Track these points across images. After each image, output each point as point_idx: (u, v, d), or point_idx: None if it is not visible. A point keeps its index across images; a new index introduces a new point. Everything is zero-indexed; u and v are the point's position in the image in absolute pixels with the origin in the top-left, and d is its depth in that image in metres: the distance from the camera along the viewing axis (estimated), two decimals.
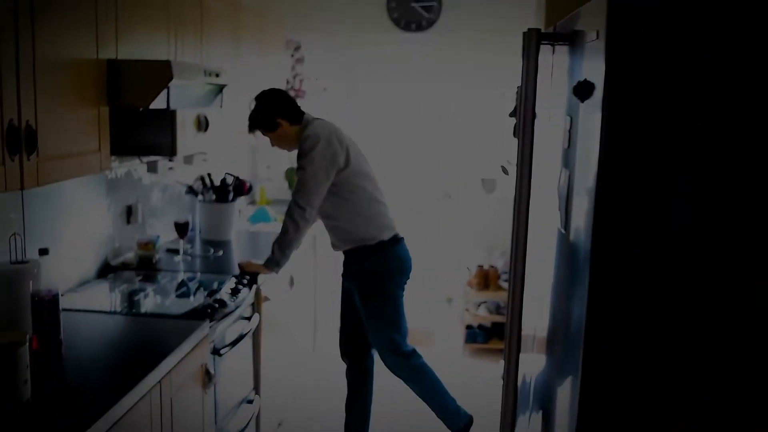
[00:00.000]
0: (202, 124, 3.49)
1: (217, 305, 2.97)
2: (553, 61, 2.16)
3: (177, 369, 2.46)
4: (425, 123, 6.30)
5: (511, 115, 2.83)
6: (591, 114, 1.50)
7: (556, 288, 1.98)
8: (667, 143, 1.40)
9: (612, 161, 1.42)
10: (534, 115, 1.87)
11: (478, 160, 6.10)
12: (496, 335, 5.71)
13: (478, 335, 5.69)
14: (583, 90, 1.52)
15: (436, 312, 6.27)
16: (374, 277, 3.69)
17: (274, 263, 3.53)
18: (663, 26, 1.38)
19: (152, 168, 3.67)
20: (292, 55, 5.89)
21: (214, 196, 4.31)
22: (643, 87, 1.39)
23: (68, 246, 3.08)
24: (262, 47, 4.71)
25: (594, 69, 1.47)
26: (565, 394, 1.69)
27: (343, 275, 3.83)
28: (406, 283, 3.78)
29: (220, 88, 3.30)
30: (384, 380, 3.94)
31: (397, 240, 3.73)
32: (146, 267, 3.52)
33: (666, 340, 1.47)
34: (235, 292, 3.21)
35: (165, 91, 2.70)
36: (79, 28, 2.40)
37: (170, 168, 3.95)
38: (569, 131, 1.75)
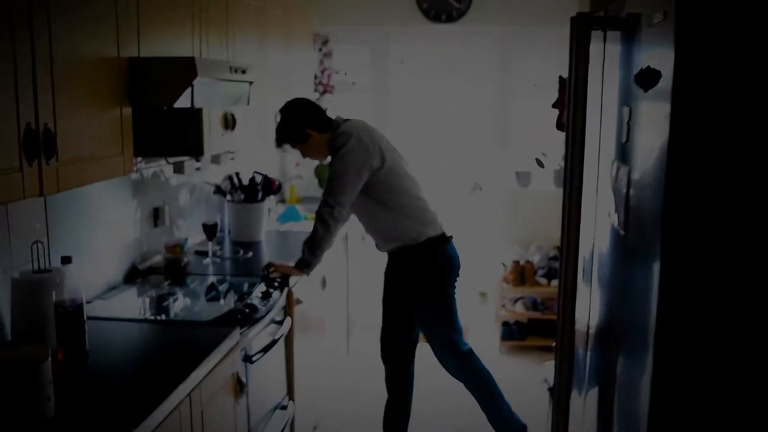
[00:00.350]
0: (230, 123, 3.38)
1: (247, 310, 2.86)
2: (604, 49, 2.00)
3: (207, 380, 2.35)
4: (456, 116, 6.15)
5: (554, 106, 2.68)
6: (656, 104, 1.35)
7: (611, 285, 1.85)
8: (742, 135, 1.25)
9: (681, 156, 1.28)
10: (585, 106, 1.73)
11: (512, 153, 5.94)
12: (534, 332, 5.56)
13: (515, 332, 5.54)
14: (646, 78, 1.38)
15: (470, 308, 6.14)
16: (427, 278, 3.56)
17: (304, 264, 3.41)
18: (739, 5, 1.22)
19: (179, 169, 3.56)
20: (320, 50, 5.77)
21: (242, 196, 4.19)
22: (716, 73, 1.24)
23: (94, 252, 2.98)
24: (289, 42, 4.59)
25: (659, 55, 1.33)
26: (630, 384, 1.58)
27: (387, 276, 3.71)
28: (456, 282, 3.64)
29: (248, 85, 3.18)
30: (426, 379, 3.83)
31: (446, 239, 3.58)
32: (175, 270, 3.41)
33: (738, 337, 1.34)
34: (266, 295, 3.10)
35: (189, 89, 2.58)
36: (98, 25, 2.29)
37: (197, 168, 3.83)
38: (628, 123, 1.60)
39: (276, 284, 3.25)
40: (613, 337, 1.83)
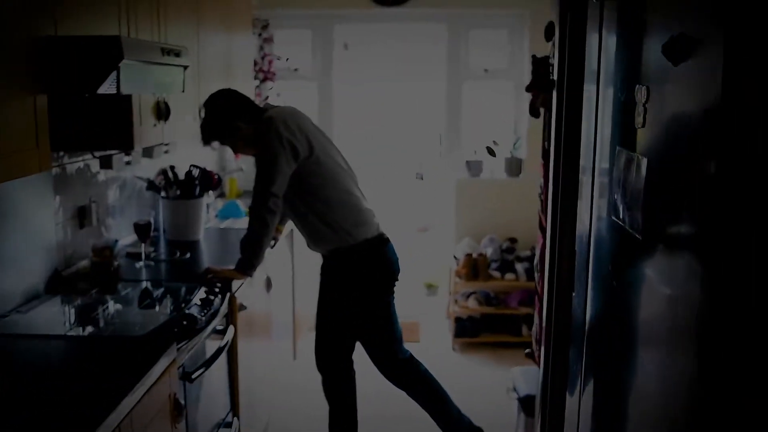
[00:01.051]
0: (163, 112, 3.05)
1: (185, 322, 2.54)
2: (601, 20, 1.75)
3: (140, 406, 2.03)
4: (404, 104, 5.91)
5: (529, 89, 2.43)
6: (690, 81, 1.10)
7: (619, 288, 1.63)
8: None
9: (738, 143, 1.02)
10: (580, 86, 1.47)
11: (462, 142, 5.71)
12: (487, 328, 5.35)
13: (467, 328, 5.32)
14: (677, 49, 1.12)
15: (419, 302, 5.92)
16: (363, 285, 3.28)
17: (245, 266, 3.09)
18: None
19: (106, 163, 3.16)
20: (260, 34, 5.44)
21: (178, 192, 3.84)
22: None
23: (10, 258, 2.63)
24: (228, 25, 4.26)
25: (695, 18, 1.07)
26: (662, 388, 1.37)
27: (321, 280, 3.40)
28: (395, 287, 3.37)
29: (182, 70, 2.85)
30: (371, 382, 3.58)
31: (384, 240, 3.30)
32: (104, 276, 3.04)
33: None
34: (206, 303, 2.78)
35: (115, 74, 2.25)
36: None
37: (127, 162, 3.46)
38: (644, 105, 1.34)
39: (217, 290, 2.94)
40: (623, 341, 1.58)
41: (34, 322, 2.57)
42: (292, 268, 4.55)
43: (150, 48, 2.54)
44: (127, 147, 2.72)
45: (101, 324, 2.68)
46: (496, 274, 5.25)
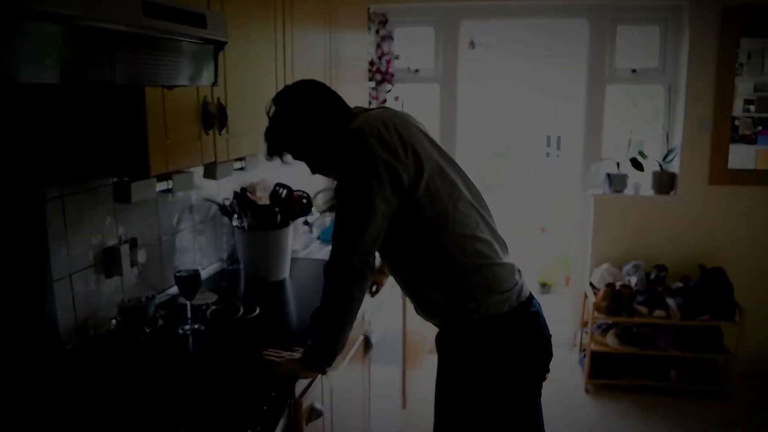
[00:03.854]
0: (215, 116, 1.93)
1: None
2: None
3: None
4: (536, 110, 4.58)
5: None
6: None
7: None
8: None
9: None
10: None
11: (603, 153, 4.33)
12: (627, 369, 3.98)
13: (604, 367, 3.98)
14: None
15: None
16: (497, 376, 1.84)
17: (319, 360, 1.82)
18: None
19: (122, 195, 1.94)
20: (377, 31, 4.26)
21: (253, 221, 2.68)
22: None
23: None
24: (331, 19, 3.10)
25: None
26: None
27: (439, 358, 1.96)
28: (545, 379, 1.96)
29: (211, 50, 1.61)
30: None
31: (531, 313, 1.88)
32: (127, 347, 1.96)
33: None
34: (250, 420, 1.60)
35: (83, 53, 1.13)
36: None
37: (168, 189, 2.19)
38: None
39: (273, 394, 1.72)
40: None
41: None
42: (404, 325, 3.33)
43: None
44: (138, 173, 1.59)
45: None
46: (643, 309, 3.87)
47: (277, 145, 1.93)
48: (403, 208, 1.79)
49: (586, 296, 4.20)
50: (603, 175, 4.24)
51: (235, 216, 2.70)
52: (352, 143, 1.77)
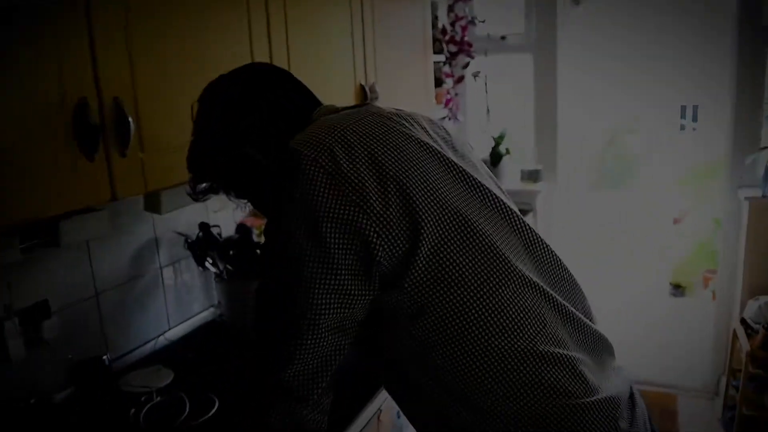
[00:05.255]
0: (98, 128, 1.07)
1: None
2: None
3: None
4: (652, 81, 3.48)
5: None
6: None
7: None
8: None
9: None
10: None
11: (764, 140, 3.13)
12: None
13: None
14: None
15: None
16: None
17: None
18: None
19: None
20: None
21: (228, 267, 1.82)
22: None
23: None
24: None
25: None
26: None
27: None
28: None
29: None
30: None
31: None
32: None
33: None
34: None
35: None
36: None
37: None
38: None
39: None
40: None
41: None
42: None
43: None
44: None
45: None
46: None
47: (195, 169, 1.11)
48: (387, 300, 0.90)
49: (735, 336, 3.06)
50: (762, 171, 3.04)
51: (208, 260, 1.85)
52: (282, 177, 0.92)
